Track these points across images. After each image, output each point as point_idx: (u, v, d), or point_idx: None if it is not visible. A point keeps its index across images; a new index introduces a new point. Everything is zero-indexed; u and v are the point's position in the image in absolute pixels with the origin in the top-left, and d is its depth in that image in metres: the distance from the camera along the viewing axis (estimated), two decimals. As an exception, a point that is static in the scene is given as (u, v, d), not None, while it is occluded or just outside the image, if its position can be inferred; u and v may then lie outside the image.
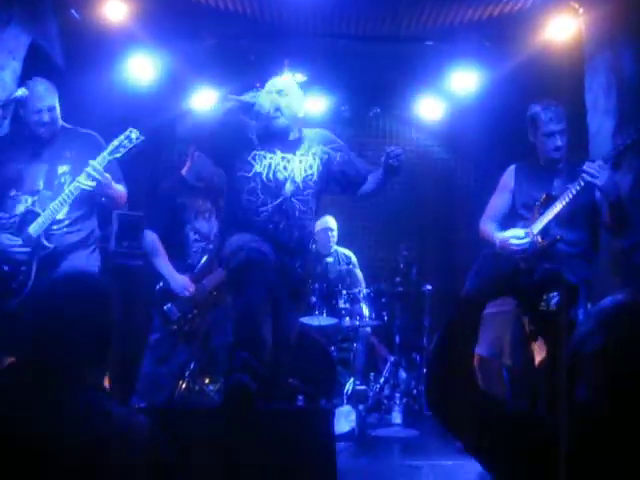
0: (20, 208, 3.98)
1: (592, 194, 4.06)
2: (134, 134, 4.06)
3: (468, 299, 1.95)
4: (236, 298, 3.85)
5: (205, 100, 6.97)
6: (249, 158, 3.99)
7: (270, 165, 3.96)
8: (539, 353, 4.01)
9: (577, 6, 5.18)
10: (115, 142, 4.02)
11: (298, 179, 3.98)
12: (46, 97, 4.03)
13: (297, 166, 4.01)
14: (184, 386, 5.18)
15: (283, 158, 4.00)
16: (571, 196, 4.00)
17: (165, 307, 5.05)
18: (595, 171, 3.91)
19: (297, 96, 4.18)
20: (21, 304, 3.80)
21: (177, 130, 7.24)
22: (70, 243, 4.02)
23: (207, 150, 4.61)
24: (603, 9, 4.88)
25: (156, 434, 1.93)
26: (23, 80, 4.68)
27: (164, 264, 5.09)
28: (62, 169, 4.04)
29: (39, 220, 3.91)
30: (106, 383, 3.70)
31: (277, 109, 4.03)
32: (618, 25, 4.76)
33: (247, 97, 4.05)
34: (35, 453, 1.74)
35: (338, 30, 6.13)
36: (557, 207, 4.07)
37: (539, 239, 4.09)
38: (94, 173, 3.87)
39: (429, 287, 6.35)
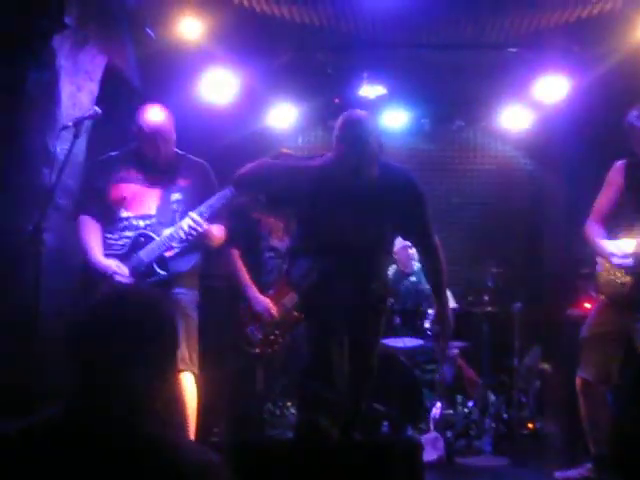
0: (132, 230, 3.94)
1: None
2: None
3: None
4: (308, 321, 3.70)
5: (283, 116, 6.91)
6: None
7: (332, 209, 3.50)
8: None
9: (671, 4, 4.92)
10: (223, 192, 3.97)
11: (367, 208, 3.49)
12: (160, 123, 3.98)
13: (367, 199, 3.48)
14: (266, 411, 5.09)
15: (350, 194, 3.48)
16: None
17: (248, 329, 4.92)
18: None
19: (377, 133, 3.51)
20: None
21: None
22: (179, 272, 3.96)
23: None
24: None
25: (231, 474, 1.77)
26: (100, 101, 4.67)
27: (248, 284, 4.97)
28: (174, 196, 4.03)
29: (152, 245, 3.89)
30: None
31: (359, 166, 3.40)
32: None
33: None
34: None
35: (418, 39, 6.02)
36: None
37: None
38: (194, 224, 3.83)
39: (519, 305, 6.09)
